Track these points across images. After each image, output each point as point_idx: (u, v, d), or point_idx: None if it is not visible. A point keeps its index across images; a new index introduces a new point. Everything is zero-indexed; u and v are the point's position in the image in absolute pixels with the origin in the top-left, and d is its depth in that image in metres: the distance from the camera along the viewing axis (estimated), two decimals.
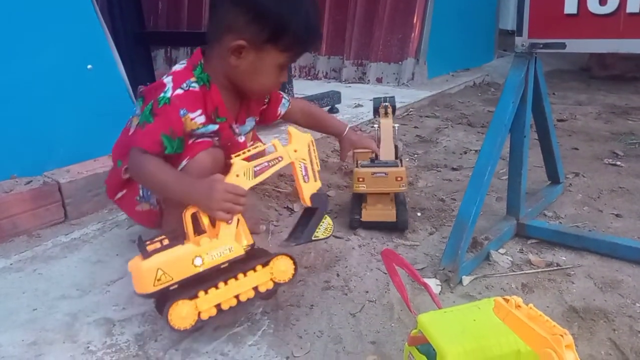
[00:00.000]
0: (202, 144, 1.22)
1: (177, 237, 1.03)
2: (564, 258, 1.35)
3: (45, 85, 1.67)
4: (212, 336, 1.07)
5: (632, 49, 1.22)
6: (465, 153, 2.28)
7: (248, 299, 1.06)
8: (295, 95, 2.87)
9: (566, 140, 2.41)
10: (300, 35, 1.17)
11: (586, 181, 1.88)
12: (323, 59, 4.19)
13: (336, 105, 2.94)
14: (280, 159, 1.14)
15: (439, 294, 1.20)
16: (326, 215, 1.19)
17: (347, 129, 1.60)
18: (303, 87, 3.23)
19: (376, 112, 1.77)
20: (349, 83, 3.95)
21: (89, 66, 1.78)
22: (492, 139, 1.35)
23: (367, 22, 3.96)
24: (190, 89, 1.19)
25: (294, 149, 1.16)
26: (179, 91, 1.17)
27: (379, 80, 3.89)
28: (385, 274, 1.26)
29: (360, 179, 1.46)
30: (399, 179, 1.48)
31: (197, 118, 1.19)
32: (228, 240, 1.05)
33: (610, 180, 1.88)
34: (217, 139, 1.26)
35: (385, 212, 1.51)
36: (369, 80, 3.91)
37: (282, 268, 1.10)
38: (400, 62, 3.83)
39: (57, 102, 1.70)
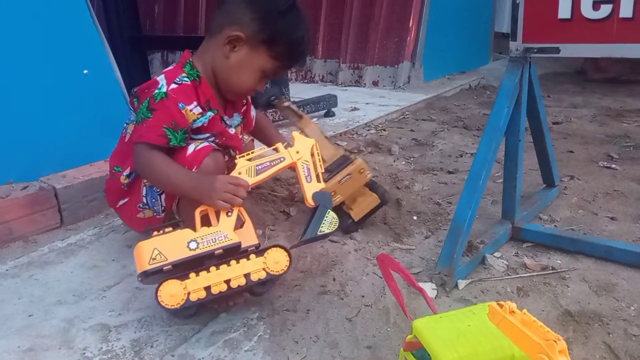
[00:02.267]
0: (203, 150, 1.24)
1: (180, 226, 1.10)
2: (559, 261, 1.36)
3: (41, 90, 1.67)
4: (209, 341, 1.07)
5: (625, 53, 1.22)
6: (461, 156, 2.29)
7: (239, 286, 1.07)
8: (292, 99, 2.88)
9: (561, 143, 2.42)
10: (292, 51, 1.29)
11: (581, 184, 1.88)
12: (319, 62, 4.20)
13: (332, 109, 2.95)
14: (282, 159, 1.19)
15: (435, 298, 1.20)
16: (329, 210, 1.19)
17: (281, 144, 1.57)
18: (299, 91, 3.24)
19: (268, 107, 1.75)
20: (345, 86, 3.96)
21: (85, 71, 1.78)
22: (487, 143, 1.36)
23: (363, 26, 3.98)
24: (183, 82, 1.25)
25: (296, 150, 1.21)
26: (173, 86, 1.23)
27: (375, 84, 3.90)
28: (381, 278, 1.26)
29: (332, 192, 1.40)
30: (361, 171, 1.48)
31: (194, 109, 1.26)
32: (225, 229, 1.09)
33: (605, 183, 1.89)
34: (213, 138, 1.31)
35: (368, 201, 1.52)
36: (365, 84, 3.92)
37: (276, 259, 1.11)
38: (396, 66, 3.84)
39: (53, 107, 1.70)
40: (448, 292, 1.22)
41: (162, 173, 1.19)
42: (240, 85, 1.32)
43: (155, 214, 1.32)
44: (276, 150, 1.21)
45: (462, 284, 1.25)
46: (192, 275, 1.04)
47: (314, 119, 2.84)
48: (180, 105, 1.22)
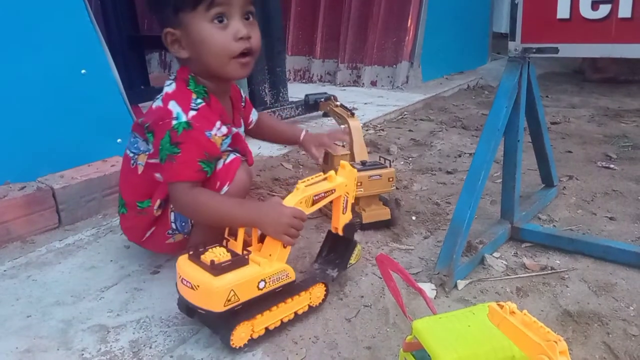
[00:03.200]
0: (233, 163, 1.20)
1: (236, 253, 1.06)
2: (558, 261, 1.36)
3: (38, 90, 1.66)
4: (207, 342, 1.07)
5: (624, 53, 1.22)
6: (460, 156, 2.29)
7: (288, 320, 1.11)
8: (290, 99, 2.88)
9: (560, 143, 2.42)
10: None
11: (580, 184, 1.89)
12: (318, 62, 4.20)
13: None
14: (333, 191, 1.18)
15: (434, 298, 1.20)
16: (358, 244, 1.29)
17: (304, 132, 1.52)
18: (298, 91, 3.23)
19: (314, 107, 1.87)
20: (343, 86, 3.96)
21: (83, 71, 1.78)
22: (485, 144, 1.36)
23: (362, 26, 3.98)
24: (200, 107, 1.16)
25: (345, 183, 1.20)
26: (192, 113, 1.14)
27: (374, 84, 3.90)
28: (381, 278, 1.26)
29: (359, 183, 1.47)
30: (390, 179, 1.53)
31: (218, 132, 1.18)
32: (284, 265, 1.09)
33: (603, 183, 1.89)
34: (237, 148, 1.27)
35: (380, 212, 1.55)
36: (363, 84, 3.92)
37: (317, 294, 1.16)
38: (394, 66, 3.84)
39: (50, 106, 1.70)
40: (447, 293, 1.22)
41: (215, 211, 1.13)
42: (225, 53, 1.15)
43: (185, 235, 1.29)
44: (328, 179, 1.18)
45: (461, 284, 1.25)
46: (259, 316, 1.04)
47: (313, 121, 2.85)
48: (207, 134, 1.15)
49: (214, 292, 0.97)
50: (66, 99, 1.73)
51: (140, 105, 2.60)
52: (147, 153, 1.25)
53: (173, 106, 1.15)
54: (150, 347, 1.06)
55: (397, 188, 1.88)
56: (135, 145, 1.28)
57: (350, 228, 1.24)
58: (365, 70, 3.92)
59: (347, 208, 1.23)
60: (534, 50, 1.34)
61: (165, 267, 1.37)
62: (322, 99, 2.29)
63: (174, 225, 1.27)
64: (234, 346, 1.01)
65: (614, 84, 3.81)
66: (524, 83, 1.40)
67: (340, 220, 1.23)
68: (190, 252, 1.04)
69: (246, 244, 1.10)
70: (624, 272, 1.29)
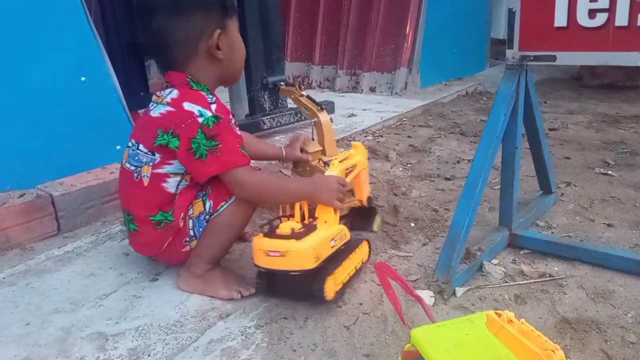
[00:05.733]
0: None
1: (304, 223, 1.22)
2: (556, 268, 1.36)
3: (38, 97, 1.67)
4: (206, 350, 1.07)
5: (621, 61, 1.23)
6: (458, 162, 2.30)
7: (351, 277, 1.28)
8: (289, 106, 2.88)
9: (558, 149, 2.43)
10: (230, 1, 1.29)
11: (578, 190, 1.89)
12: (317, 69, 4.21)
13: (330, 116, 2.95)
14: (355, 166, 1.37)
15: (433, 305, 1.21)
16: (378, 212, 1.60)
17: (283, 148, 1.58)
18: None
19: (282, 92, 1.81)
20: (342, 92, 3.97)
21: (83, 78, 1.78)
22: (483, 151, 1.36)
23: (360, 32, 3.99)
24: (215, 100, 1.24)
25: (361, 160, 1.39)
26: (213, 106, 1.21)
27: (372, 90, 3.91)
28: (379, 286, 1.26)
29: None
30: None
31: (232, 123, 1.27)
32: (342, 226, 1.27)
33: (601, 189, 1.90)
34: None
35: (351, 202, 1.53)
36: (362, 90, 3.92)
37: (365, 250, 1.37)
38: (393, 72, 3.85)
39: (50, 114, 1.70)
40: (446, 300, 1.22)
41: (279, 188, 1.27)
42: (241, 59, 1.33)
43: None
44: (349, 158, 1.36)
45: (459, 291, 1.25)
46: (336, 271, 1.20)
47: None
48: (231, 123, 1.24)
49: (304, 252, 1.13)
50: (65, 106, 1.74)
51: (140, 111, 2.60)
52: (150, 164, 1.24)
53: (190, 106, 1.19)
54: (149, 355, 1.06)
55: (395, 194, 1.88)
56: (136, 158, 1.25)
57: (370, 199, 1.51)
58: (364, 76, 3.93)
59: (366, 181, 1.44)
60: (532, 58, 1.35)
61: (164, 274, 1.37)
62: (282, 83, 2.10)
63: (191, 232, 1.27)
64: (327, 298, 1.16)
65: (612, 89, 3.82)
66: (522, 90, 1.41)
67: (365, 192, 1.44)
68: (264, 231, 1.19)
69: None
70: (622, 279, 1.29)
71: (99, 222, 1.69)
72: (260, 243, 1.16)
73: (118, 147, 1.85)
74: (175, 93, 1.23)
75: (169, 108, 1.21)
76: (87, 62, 1.80)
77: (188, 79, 1.23)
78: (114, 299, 1.27)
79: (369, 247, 1.38)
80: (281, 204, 1.27)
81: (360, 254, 1.34)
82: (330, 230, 1.21)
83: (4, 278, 1.37)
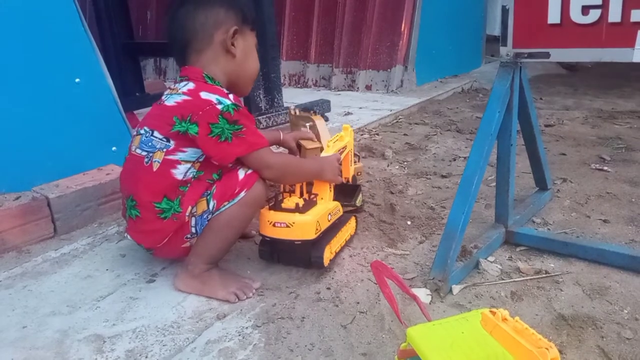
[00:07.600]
0: (253, 175, 1.30)
1: (305, 198, 1.36)
2: (552, 265, 1.36)
3: (33, 99, 1.67)
4: (203, 351, 1.07)
5: (614, 57, 1.23)
6: (454, 160, 2.30)
7: (341, 248, 1.45)
8: (285, 104, 2.88)
9: (554, 145, 2.43)
10: (252, 13, 1.37)
11: (574, 187, 1.90)
12: (312, 67, 4.21)
13: (326, 114, 2.95)
14: (345, 147, 1.51)
15: (429, 303, 1.21)
16: (361, 188, 1.73)
17: (282, 133, 1.61)
18: (293, 95, 3.24)
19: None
20: (338, 91, 3.97)
21: (77, 79, 1.78)
22: (479, 148, 1.36)
23: (356, 31, 3.99)
24: (230, 93, 1.27)
25: (350, 141, 1.54)
26: (231, 96, 1.26)
27: (368, 88, 3.91)
28: (376, 284, 1.26)
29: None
30: (359, 173, 1.75)
31: None
32: (337, 203, 1.43)
33: (597, 185, 1.90)
34: None
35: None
36: (358, 88, 3.93)
37: (353, 225, 1.54)
38: (389, 70, 3.85)
39: (45, 115, 1.69)
40: (442, 298, 1.23)
41: (299, 166, 1.39)
42: (253, 71, 1.40)
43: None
44: (339, 139, 1.50)
45: (456, 289, 1.26)
46: (332, 241, 1.37)
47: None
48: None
49: (308, 224, 1.28)
50: (60, 108, 1.73)
51: (135, 112, 2.60)
52: (164, 150, 1.24)
53: (208, 95, 1.24)
54: (147, 357, 1.06)
55: (391, 192, 1.89)
56: (150, 144, 1.25)
57: (356, 178, 1.68)
58: (360, 74, 3.93)
59: (352, 160, 1.59)
60: (526, 55, 1.35)
61: (161, 275, 1.37)
62: (297, 109, 2.00)
63: (193, 230, 1.28)
64: (325, 265, 1.32)
65: (607, 86, 3.82)
66: (516, 87, 1.41)
67: (350, 171, 1.58)
68: (270, 204, 1.32)
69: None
70: (617, 275, 1.30)
71: (95, 223, 1.69)
72: (268, 215, 1.29)
73: (114, 148, 1.84)
74: (191, 85, 1.27)
75: (185, 97, 1.24)
76: (82, 63, 1.80)
77: (204, 75, 1.28)
78: (111, 300, 1.27)
79: (357, 222, 1.56)
80: (298, 182, 1.38)
81: (350, 228, 1.51)
82: (328, 205, 1.37)
83: (0, 281, 1.37)
